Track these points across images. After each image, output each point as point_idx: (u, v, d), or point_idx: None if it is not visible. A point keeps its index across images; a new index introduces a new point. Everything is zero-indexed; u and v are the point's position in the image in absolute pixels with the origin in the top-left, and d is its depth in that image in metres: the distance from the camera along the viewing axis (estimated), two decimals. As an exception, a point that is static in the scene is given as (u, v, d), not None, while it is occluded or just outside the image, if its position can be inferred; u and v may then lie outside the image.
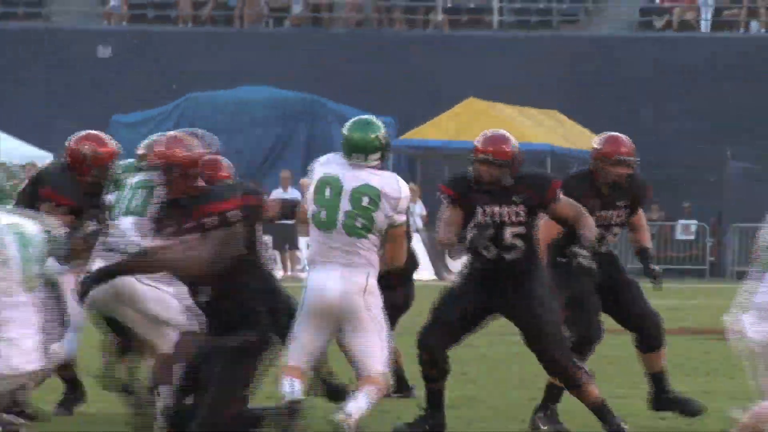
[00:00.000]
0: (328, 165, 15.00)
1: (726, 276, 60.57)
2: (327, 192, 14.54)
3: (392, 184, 14.75)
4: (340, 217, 14.33)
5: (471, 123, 45.49)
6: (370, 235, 14.54)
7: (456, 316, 14.57)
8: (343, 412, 14.43)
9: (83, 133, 15.89)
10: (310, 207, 14.74)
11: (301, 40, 64.94)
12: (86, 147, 15.32)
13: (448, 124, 55.67)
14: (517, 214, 14.54)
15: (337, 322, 14.42)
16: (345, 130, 14.93)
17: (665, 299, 25.43)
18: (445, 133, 56.40)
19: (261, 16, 65.78)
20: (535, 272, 14.56)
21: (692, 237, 62.41)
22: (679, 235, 62.90)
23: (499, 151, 15.16)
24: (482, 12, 70.22)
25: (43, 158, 50.41)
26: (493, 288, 14.73)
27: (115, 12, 66.48)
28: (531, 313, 14.56)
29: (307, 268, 19.22)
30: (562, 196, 15.18)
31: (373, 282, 14.58)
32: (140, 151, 17.16)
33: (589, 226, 14.65)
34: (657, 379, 15.60)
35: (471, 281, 14.51)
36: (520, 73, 59.90)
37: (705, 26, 71.28)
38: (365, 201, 14.49)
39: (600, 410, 14.39)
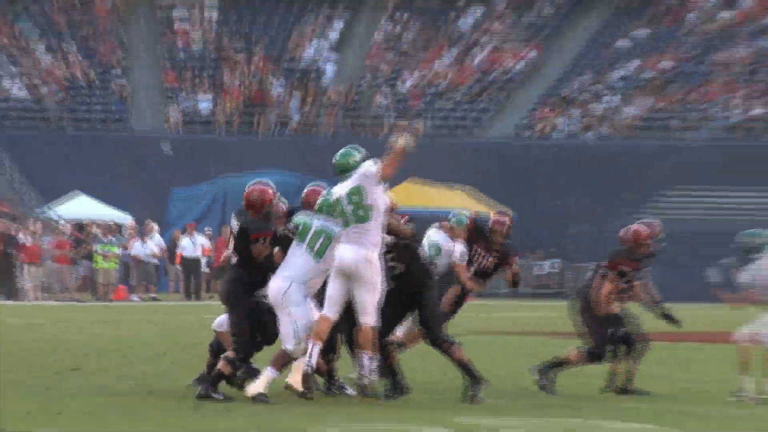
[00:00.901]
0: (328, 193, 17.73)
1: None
2: (336, 206, 17.09)
3: (363, 167, 16.87)
4: (348, 213, 16.76)
5: (410, 195, 46.62)
6: (372, 221, 16.72)
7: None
8: (363, 377, 17.47)
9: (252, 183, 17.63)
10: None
11: (296, 142, 65.72)
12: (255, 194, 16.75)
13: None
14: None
15: (350, 280, 17.11)
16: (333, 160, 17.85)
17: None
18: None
19: (270, 125, 66.09)
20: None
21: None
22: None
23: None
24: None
25: (124, 218, 54.48)
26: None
27: (174, 122, 66.73)
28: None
29: None
30: None
31: (374, 255, 17.02)
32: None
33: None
34: None
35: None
36: (446, 163, 59.19)
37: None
38: (355, 198, 16.90)
39: (465, 366, 17.02)
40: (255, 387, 16.72)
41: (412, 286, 17.71)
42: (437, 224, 21.04)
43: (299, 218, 16.64)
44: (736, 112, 64.01)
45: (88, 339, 27.98)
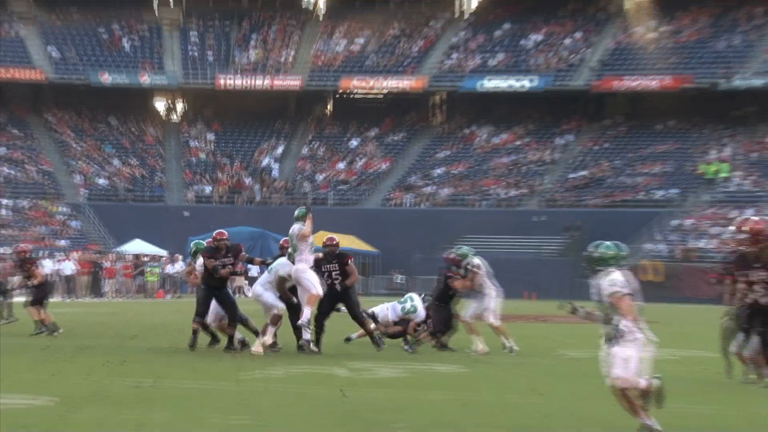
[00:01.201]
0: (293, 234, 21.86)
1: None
2: (291, 240, 21.43)
3: (296, 227, 21.63)
4: (293, 247, 21.41)
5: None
6: (298, 252, 21.34)
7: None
8: (304, 341, 21.56)
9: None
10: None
11: (258, 210, 66.91)
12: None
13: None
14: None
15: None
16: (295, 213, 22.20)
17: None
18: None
19: (243, 200, 68.79)
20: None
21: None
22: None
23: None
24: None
25: (162, 252, 58.07)
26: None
27: (190, 199, 69.20)
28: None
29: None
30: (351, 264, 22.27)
31: (302, 266, 21.41)
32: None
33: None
34: None
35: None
36: (341, 221, 57.25)
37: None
38: (293, 242, 21.40)
39: (370, 333, 21.08)
40: (266, 340, 21.67)
41: (344, 282, 22.33)
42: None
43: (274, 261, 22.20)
44: (501, 193, 67.19)
45: (141, 320, 33.67)
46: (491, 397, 15.26)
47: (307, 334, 21.38)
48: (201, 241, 24.12)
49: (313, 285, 21.19)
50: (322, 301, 22.04)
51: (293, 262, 21.38)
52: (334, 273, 22.24)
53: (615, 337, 11.09)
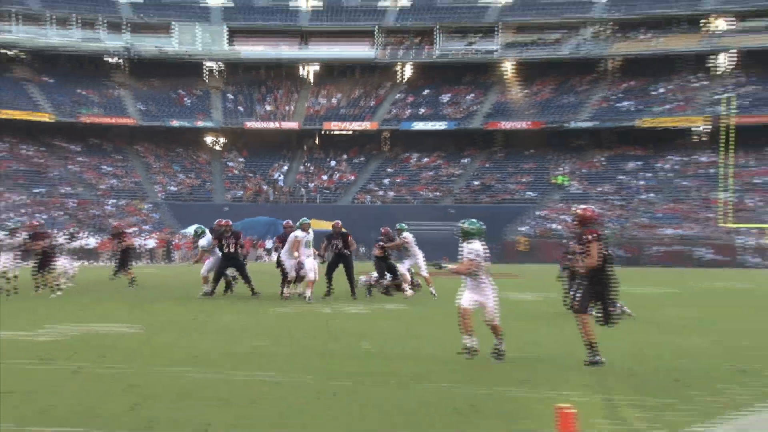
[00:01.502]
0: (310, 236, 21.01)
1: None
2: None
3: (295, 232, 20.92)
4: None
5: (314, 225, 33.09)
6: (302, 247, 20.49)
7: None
8: (305, 297, 20.27)
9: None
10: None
11: (273, 207, 63.79)
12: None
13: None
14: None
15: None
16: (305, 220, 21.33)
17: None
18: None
19: (262, 200, 65.98)
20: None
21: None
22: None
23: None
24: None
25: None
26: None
27: (228, 200, 65.93)
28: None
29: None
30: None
31: (303, 257, 20.64)
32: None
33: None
34: None
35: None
36: (325, 214, 51.87)
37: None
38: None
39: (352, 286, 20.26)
40: (309, 295, 20.65)
41: (346, 252, 21.82)
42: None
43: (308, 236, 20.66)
44: (427, 195, 66.34)
45: (197, 277, 25.59)
46: (421, 327, 15.26)
47: (309, 292, 20.86)
48: (202, 225, 23.83)
49: (290, 270, 21.15)
50: (331, 262, 22.12)
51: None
52: (339, 245, 21.97)
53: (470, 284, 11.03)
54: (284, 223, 22.93)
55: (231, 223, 22.80)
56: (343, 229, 22.37)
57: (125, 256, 25.33)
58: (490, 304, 10.93)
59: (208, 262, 22.51)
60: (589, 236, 10.75)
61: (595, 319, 10.97)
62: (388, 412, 8.02)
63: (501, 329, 11.11)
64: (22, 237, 22.37)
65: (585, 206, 11.30)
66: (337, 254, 22.16)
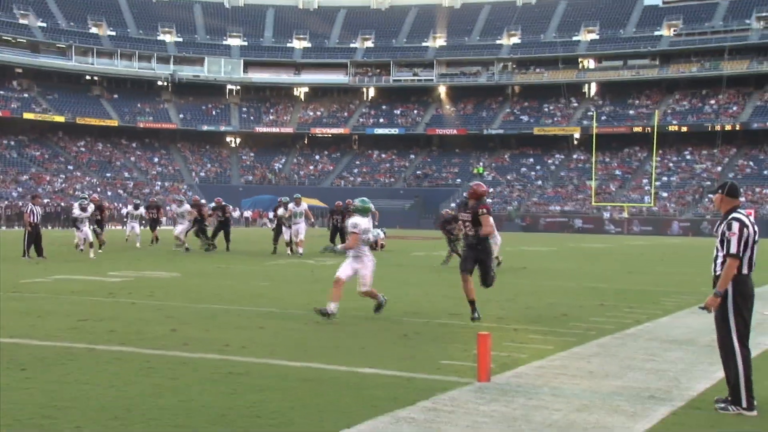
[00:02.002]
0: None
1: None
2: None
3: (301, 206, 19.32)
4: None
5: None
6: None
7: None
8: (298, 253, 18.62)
9: None
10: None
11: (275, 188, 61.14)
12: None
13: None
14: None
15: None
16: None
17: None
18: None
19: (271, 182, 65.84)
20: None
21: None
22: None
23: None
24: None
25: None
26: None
27: (243, 183, 66.62)
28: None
29: None
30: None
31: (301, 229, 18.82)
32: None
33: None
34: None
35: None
36: (317, 194, 54.09)
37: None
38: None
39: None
40: (300, 251, 19.29)
41: (344, 223, 19.48)
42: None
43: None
44: (384, 181, 65.71)
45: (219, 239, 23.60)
46: (381, 275, 14.34)
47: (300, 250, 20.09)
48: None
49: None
50: (331, 232, 21.67)
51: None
52: (339, 220, 21.52)
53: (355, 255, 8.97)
54: (279, 199, 22.31)
55: (221, 200, 22.95)
56: (343, 206, 21.99)
57: (202, 224, 23.32)
58: (367, 272, 8.93)
59: (181, 226, 22.17)
60: (484, 210, 9.03)
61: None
62: (355, 334, 7.97)
63: (375, 292, 9.09)
64: (141, 209, 22.41)
65: (477, 182, 9.46)
66: (334, 226, 21.56)
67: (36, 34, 66.22)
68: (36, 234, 17.75)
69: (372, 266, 9.02)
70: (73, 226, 20.24)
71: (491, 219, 9.09)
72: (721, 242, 5.03)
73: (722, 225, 5.09)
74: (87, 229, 19.39)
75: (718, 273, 5.04)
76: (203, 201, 23.75)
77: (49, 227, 40.58)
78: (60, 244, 23.43)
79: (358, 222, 8.91)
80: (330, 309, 8.67)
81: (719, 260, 5.05)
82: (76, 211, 19.34)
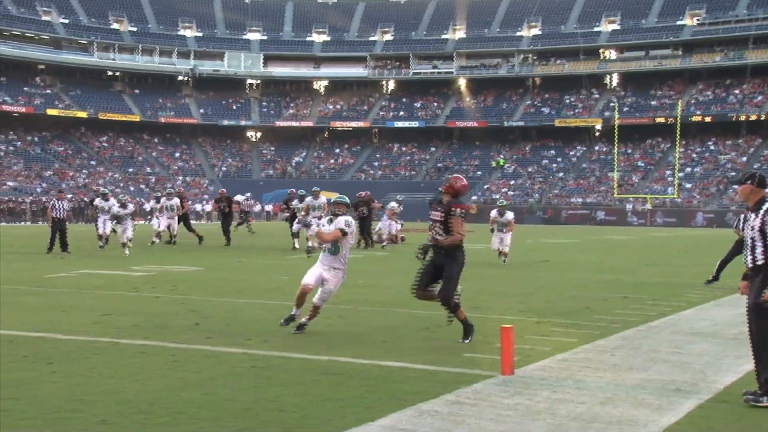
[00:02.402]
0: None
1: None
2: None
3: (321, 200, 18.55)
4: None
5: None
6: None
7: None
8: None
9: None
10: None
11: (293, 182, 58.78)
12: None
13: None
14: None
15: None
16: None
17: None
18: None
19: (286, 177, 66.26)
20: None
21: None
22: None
23: None
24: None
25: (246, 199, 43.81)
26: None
27: (263, 177, 65.27)
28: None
29: None
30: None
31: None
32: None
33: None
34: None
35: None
36: (336, 189, 48.14)
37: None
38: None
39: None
40: (314, 245, 16.80)
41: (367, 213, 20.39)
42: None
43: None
44: (405, 174, 66.53)
45: (241, 231, 28.38)
46: (397, 268, 14.62)
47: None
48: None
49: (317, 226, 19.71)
50: (360, 225, 20.68)
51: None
52: (365, 210, 21.11)
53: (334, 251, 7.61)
54: (290, 191, 21.97)
55: (225, 191, 23.07)
56: (369, 196, 21.91)
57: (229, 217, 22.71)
58: (331, 286, 7.59)
59: (162, 220, 21.68)
60: (458, 210, 7.17)
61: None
62: (376, 328, 7.94)
63: (318, 312, 7.72)
64: (174, 200, 21.57)
65: (457, 175, 7.60)
66: (361, 218, 20.54)
67: (58, 30, 66.40)
68: (60, 229, 17.87)
69: (339, 284, 7.70)
70: (114, 220, 19.12)
71: (464, 225, 7.21)
72: (762, 232, 4.94)
73: (759, 215, 4.99)
74: (129, 226, 18.40)
75: (759, 263, 4.95)
76: (237, 197, 23.77)
77: (73, 221, 40.70)
78: (83, 239, 23.42)
79: (352, 222, 7.77)
80: (294, 313, 7.59)
81: (759, 249, 4.94)
82: (116, 208, 18.69)
